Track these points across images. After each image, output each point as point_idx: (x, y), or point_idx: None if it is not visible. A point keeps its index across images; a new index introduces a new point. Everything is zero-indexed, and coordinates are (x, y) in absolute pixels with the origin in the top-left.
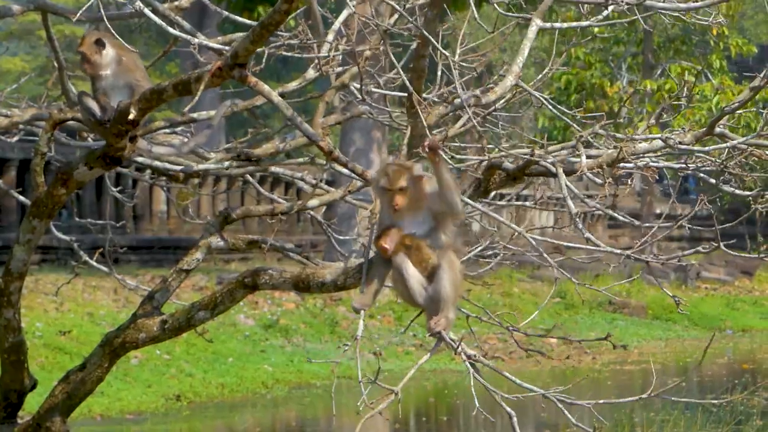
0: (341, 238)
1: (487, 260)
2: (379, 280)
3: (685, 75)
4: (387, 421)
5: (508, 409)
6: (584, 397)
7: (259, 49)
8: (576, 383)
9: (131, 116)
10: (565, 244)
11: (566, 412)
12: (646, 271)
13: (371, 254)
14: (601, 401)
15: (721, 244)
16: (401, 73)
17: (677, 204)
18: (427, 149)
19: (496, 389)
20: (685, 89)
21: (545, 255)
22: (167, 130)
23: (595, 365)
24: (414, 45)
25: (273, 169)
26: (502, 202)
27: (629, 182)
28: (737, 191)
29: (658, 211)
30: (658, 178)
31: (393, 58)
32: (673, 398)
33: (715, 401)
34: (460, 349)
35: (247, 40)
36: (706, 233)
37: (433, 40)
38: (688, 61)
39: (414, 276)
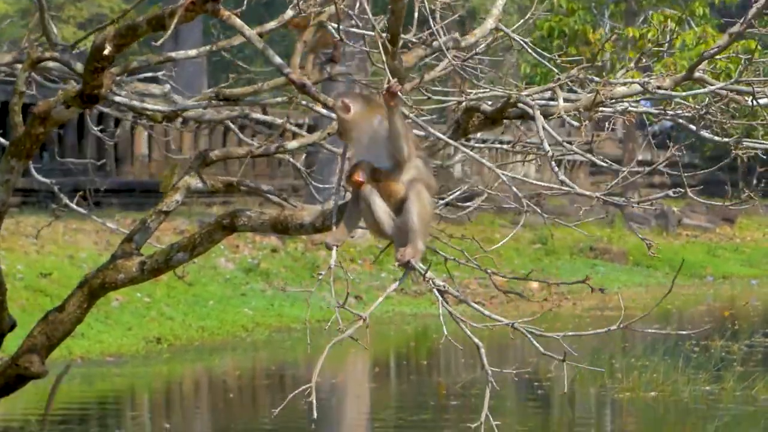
0: (321, 186)
1: (466, 205)
2: (353, 216)
3: (668, 22)
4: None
5: (476, 340)
6: (564, 341)
7: None
8: (549, 324)
9: (106, 52)
10: (543, 184)
11: (534, 341)
12: (627, 218)
13: (344, 192)
14: (570, 333)
15: (689, 190)
16: (372, 20)
17: (658, 152)
18: (385, 92)
19: (470, 334)
20: (667, 36)
21: (521, 196)
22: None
23: (575, 311)
24: None
25: (253, 115)
26: (483, 145)
27: (609, 125)
28: (716, 138)
29: (640, 158)
30: (641, 124)
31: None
32: (639, 329)
33: (684, 332)
34: (428, 277)
35: None
36: (687, 181)
37: None
38: (671, 9)
39: (381, 207)
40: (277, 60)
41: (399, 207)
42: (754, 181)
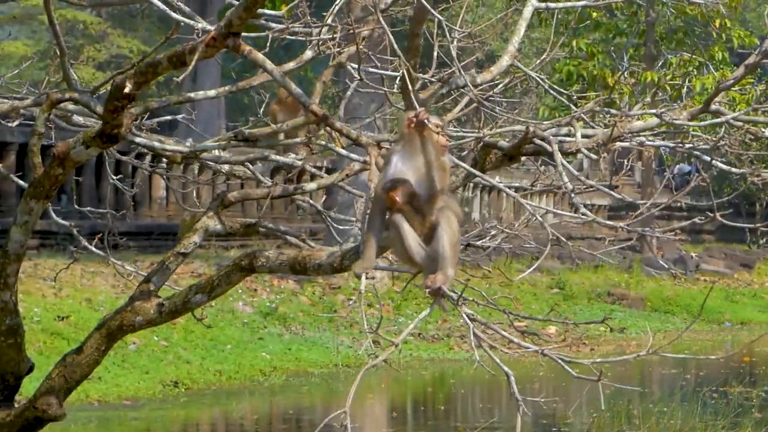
0: (341, 227)
1: (485, 245)
2: (378, 244)
3: (686, 66)
4: (385, 409)
5: (506, 369)
6: (584, 386)
7: (260, 34)
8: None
9: (126, 90)
10: (568, 214)
11: (565, 366)
12: (645, 263)
13: (369, 222)
14: (598, 360)
15: (717, 214)
16: (396, 50)
17: (678, 193)
18: (413, 122)
19: (500, 362)
20: (686, 78)
21: (547, 227)
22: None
23: (593, 356)
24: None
25: (273, 156)
26: (500, 183)
27: (628, 162)
28: (733, 169)
29: (658, 201)
30: (658, 168)
31: (390, 36)
32: (667, 354)
33: (713, 356)
34: (459, 303)
35: (240, 8)
36: (706, 226)
37: (431, 8)
38: (689, 53)
39: (411, 234)
40: (299, 92)
41: (428, 236)
42: None
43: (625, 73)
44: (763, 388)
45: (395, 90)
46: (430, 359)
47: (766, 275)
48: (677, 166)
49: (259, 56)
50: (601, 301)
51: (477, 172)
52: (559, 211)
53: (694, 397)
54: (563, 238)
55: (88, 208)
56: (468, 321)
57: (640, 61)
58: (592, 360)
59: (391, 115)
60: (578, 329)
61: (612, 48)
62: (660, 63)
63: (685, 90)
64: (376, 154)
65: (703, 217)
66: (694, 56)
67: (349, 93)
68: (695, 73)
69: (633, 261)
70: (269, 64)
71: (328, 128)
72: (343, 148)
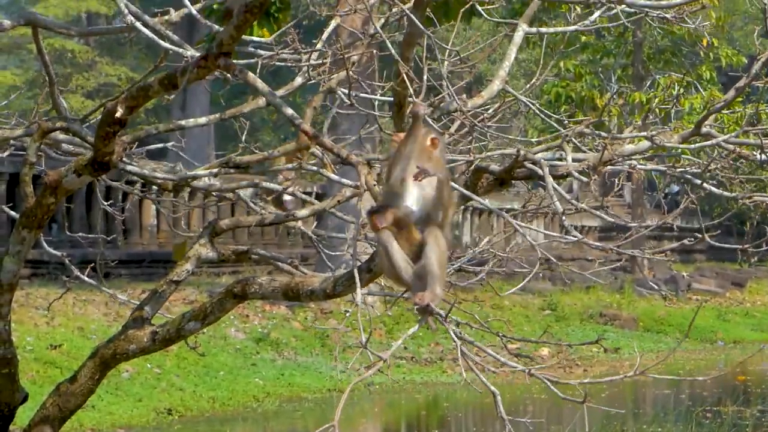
0: (332, 253)
1: (477, 269)
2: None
3: (675, 86)
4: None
5: (492, 388)
6: (576, 407)
7: (251, 61)
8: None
9: (118, 114)
10: (557, 235)
11: (552, 386)
12: (637, 282)
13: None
14: (586, 381)
15: (706, 235)
16: (397, 64)
17: (668, 215)
18: (410, 115)
19: (486, 381)
20: (674, 98)
21: (538, 247)
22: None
23: (585, 377)
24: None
25: (263, 184)
26: (491, 205)
27: (619, 182)
28: (725, 193)
29: (648, 222)
30: (649, 187)
31: (375, 59)
32: (655, 376)
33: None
34: (447, 324)
35: (231, 26)
36: (696, 246)
37: (424, 29)
38: (677, 73)
39: (399, 253)
40: (290, 112)
41: (417, 254)
42: (764, 246)
43: (614, 94)
44: (757, 407)
45: (386, 114)
46: (424, 383)
47: (757, 294)
48: (668, 185)
49: (251, 75)
50: (594, 322)
51: (473, 195)
52: (550, 233)
53: (687, 417)
54: (552, 258)
55: (80, 234)
56: (455, 338)
57: (628, 82)
58: (579, 381)
59: (380, 140)
60: (571, 350)
61: (600, 69)
62: (648, 83)
63: (673, 112)
64: (366, 173)
65: (692, 239)
66: (682, 76)
67: (332, 112)
68: (683, 93)
69: (624, 281)
70: (260, 84)
71: (318, 153)
72: (333, 173)
